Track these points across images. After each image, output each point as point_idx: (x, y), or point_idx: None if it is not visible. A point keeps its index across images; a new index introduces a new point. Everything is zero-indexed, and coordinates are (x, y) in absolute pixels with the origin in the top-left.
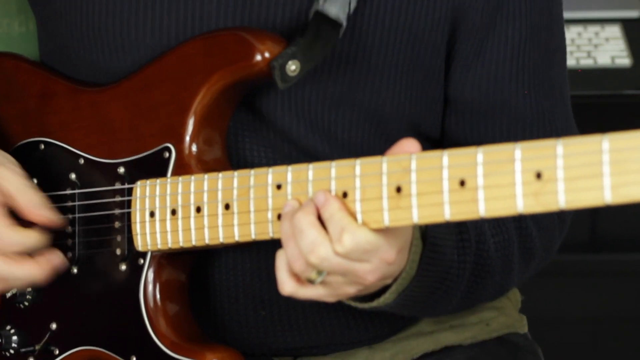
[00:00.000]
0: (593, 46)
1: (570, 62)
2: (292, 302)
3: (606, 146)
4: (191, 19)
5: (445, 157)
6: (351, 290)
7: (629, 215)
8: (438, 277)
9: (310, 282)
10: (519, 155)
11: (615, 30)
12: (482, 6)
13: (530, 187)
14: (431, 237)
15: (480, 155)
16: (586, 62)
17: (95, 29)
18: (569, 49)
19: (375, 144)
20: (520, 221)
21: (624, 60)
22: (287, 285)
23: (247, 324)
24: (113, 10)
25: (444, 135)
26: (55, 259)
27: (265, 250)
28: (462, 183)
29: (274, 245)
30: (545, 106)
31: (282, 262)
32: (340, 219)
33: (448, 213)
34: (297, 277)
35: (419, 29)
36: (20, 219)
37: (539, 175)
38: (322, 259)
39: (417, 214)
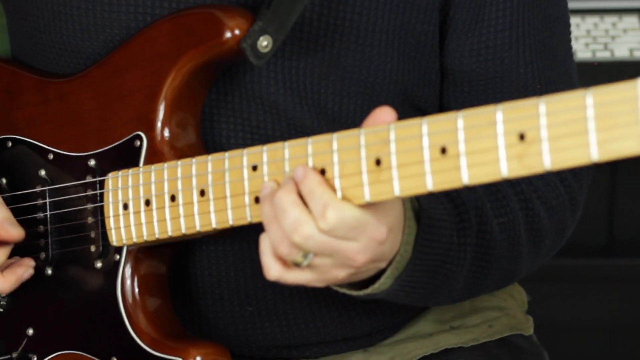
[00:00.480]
0: (610, 38)
1: (586, 54)
2: (280, 297)
3: (590, 101)
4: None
5: (425, 125)
6: (341, 273)
7: None
8: (436, 260)
9: (297, 265)
10: (501, 117)
11: (633, 21)
12: None
13: (514, 149)
14: (426, 218)
15: (460, 120)
16: (603, 55)
17: (67, 9)
18: (584, 40)
19: (367, 115)
20: (526, 201)
21: None
22: (272, 270)
23: (234, 321)
24: None
25: (441, 110)
26: (20, 271)
27: (247, 243)
28: (443, 150)
29: (257, 236)
30: (549, 77)
31: (266, 246)
32: (321, 194)
33: (430, 183)
34: (283, 261)
35: None
36: None
37: (522, 137)
38: (306, 237)
39: (399, 187)
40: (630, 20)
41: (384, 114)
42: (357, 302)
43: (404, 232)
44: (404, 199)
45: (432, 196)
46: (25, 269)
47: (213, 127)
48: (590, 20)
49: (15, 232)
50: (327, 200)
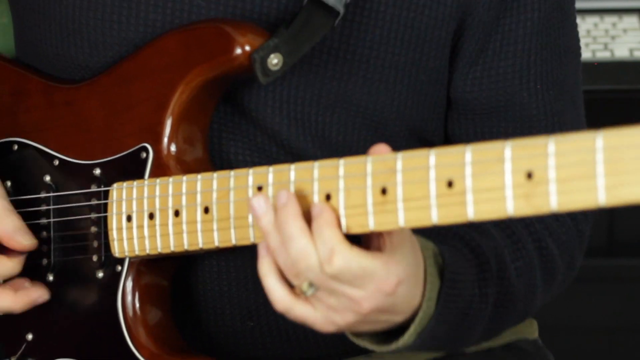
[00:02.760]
0: (610, 38)
1: (586, 54)
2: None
3: (600, 144)
4: (179, 12)
5: (433, 157)
6: (348, 317)
7: None
8: (460, 314)
9: (303, 293)
10: (509, 155)
11: (633, 21)
12: (488, 0)
13: (521, 189)
14: (450, 273)
15: (468, 154)
16: (603, 55)
17: (75, 22)
18: (584, 40)
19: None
20: (539, 241)
21: None
22: (282, 300)
23: (235, 336)
24: (95, 5)
25: (446, 140)
26: (34, 294)
27: (250, 258)
28: (450, 184)
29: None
30: (555, 108)
31: (269, 271)
32: (330, 237)
33: (435, 217)
34: (293, 289)
35: (423, 26)
36: None
37: (529, 175)
38: (308, 268)
39: (404, 218)
40: (630, 20)
41: (381, 151)
42: None
43: (426, 288)
44: (425, 253)
45: (453, 249)
46: (39, 294)
47: (221, 143)
48: (590, 20)
49: (27, 242)
50: (335, 244)
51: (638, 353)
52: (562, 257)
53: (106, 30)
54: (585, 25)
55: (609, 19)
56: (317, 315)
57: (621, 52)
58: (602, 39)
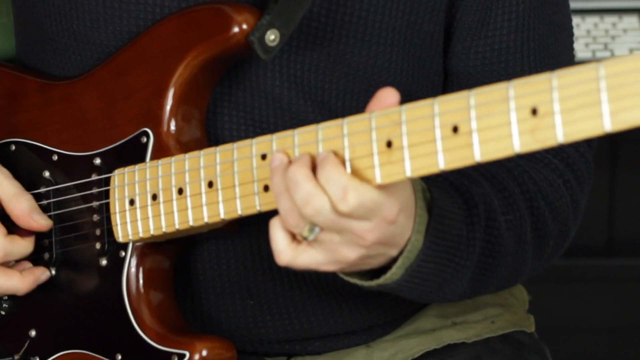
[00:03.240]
0: (610, 38)
1: (586, 54)
2: (281, 290)
3: (602, 72)
4: None
5: (437, 105)
6: (351, 253)
7: None
8: (446, 252)
9: (304, 238)
10: (513, 93)
11: (633, 21)
12: None
13: (526, 124)
14: (437, 208)
15: (472, 98)
16: (603, 55)
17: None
18: (584, 40)
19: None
20: (531, 200)
21: None
22: (284, 253)
23: (235, 315)
24: None
25: None
26: (38, 272)
27: (248, 236)
28: (455, 129)
29: (257, 230)
30: None
31: (276, 230)
32: (340, 177)
33: (442, 161)
34: (295, 241)
35: None
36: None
37: (534, 111)
38: (316, 210)
39: (410, 166)
40: (630, 20)
41: (388, 96)
42: (357, 296)
43: (415, 221)
44: (415, 187)
45: (441, 190)
46: (42, 271)
47: (216, 120)
48: (590, 20)
49: (45, 222)
50: (346, 182)
51: (637, 353)
52: (554, 221)
53: (107, 3)
54: (585, 25)
55: (609, 19)
56: (322, 257)
57: (621, 51)
58: (602, 39)
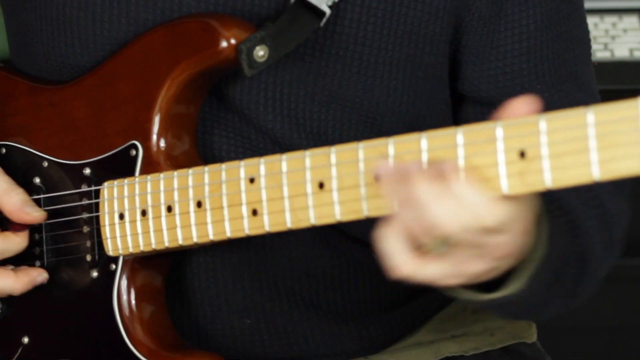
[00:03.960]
0: (610, 38)
1: None
2: (279, 310)
3: (591, 119)
4: (169, 12)
5: (424, 141)
6: (478, 267)
7: None
8: (559, 261)
9: (430, 250)
10: (501, 134)
11: (634, 21)
12: None
13: (514, 166)
14: (552, 216)
15: (460, 136)
16: (603, 55)
17: (66, 21)
18: None
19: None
20: (602, 206)
21: None
22: (407, 265)
23: (232, 334)
24: (85, 4)
25: None
26: (34, 273)
27: (247, 255)
28: None
29: (255, 250)
30: (577, 98)
31: (394, 242)
32: (478, 191)
33: None
34: (418, 252)
35: (416, 21)
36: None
37: (522, 154)
38: (462, 227)
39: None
40: (630, 20)
41: (523, 106)
42: (357, 317)
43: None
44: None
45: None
46: (39, 272)
47: (213, 141)
48: (591, 20)
49: (37, 214)
50: (486, 197)
51: (637, 353)
52: (618, 228)
53: (97, 29)
54: None
55: (609, 19)
56: (448, 270)
57: (621, 52)
58: (602, 39)
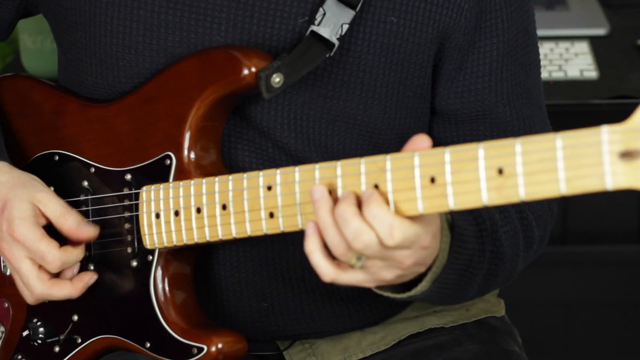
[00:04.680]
0: (564, 60)
1: (543, 74)
2: (291, 295)
3: (559, 143)
4: (201, 46)
5: (417, 157)
6: (389, 275)
7: (595, 212)
8: (464, 265)
9: (351, 266)
10: (482, 154)
11: (583, 46)
12: (464, 27)
13: (493, 182)
14: (457, 228)
15: (447, 154)
16: (558, 75)
17: (113, 59)
18: (542, 63)
19: (368, 155)
20: (521, 212)
21: (592, 73)
22: (329, 273)
23: (251, 315)
24: (129, 43)
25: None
26: (86, 277)
27: (265, 249)
28: (433, 180)
29: (272, 245)
30: (525, 114)
31: (317, 252)
32: (385, 215)
33: (421, 207)
34: (337, 263)
35: (407, 51)
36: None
37: (500, 171)
38: (366, 245)
39: (394, 209)
40: (580, 46)
41: (420, 141)
42: (355, 299)
43: (441, 241)
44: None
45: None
46: (90, 276)
47: (237, 154)
48: (547, 45)
49: (92, 230)
50: (392, 221)
51: (587, 325)
52: (538, 228)
53: (140, 64)
54: (542, 49)
55: (563, 45)
56: (363, 277)
57: (573, 72)
58: (557, 62)
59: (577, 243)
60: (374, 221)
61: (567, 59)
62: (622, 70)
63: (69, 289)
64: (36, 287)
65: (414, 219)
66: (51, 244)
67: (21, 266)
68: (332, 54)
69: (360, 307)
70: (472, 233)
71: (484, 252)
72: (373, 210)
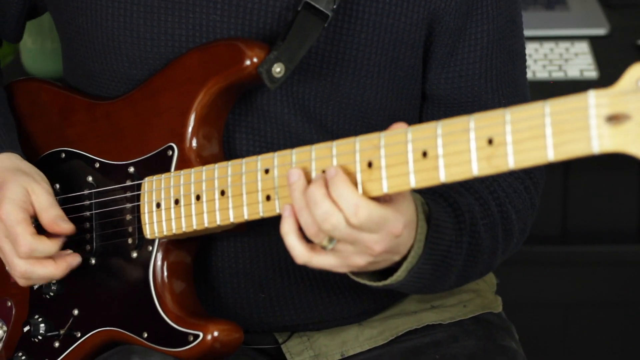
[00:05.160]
0: (564, 60)
1: (543, 74)
2: (288, 285)
3: (547, 110)
4: (199, 27)
5: (409, 133)
6: (361, 260)
7: (595, 212)
8: (441, 255)
9: (323, 248)
10: (473, 125)
11: (583, 46)
12: (454, 11)
13: (483, 152)
14: (434, 219)
15: (439, 128)
16: (558, 75)
17: (115, 42)
18: (542, 62)
19: (361, 134)
20: (501, 205)
21: (592, 73)
22: (301, 255)
23: (249, 305)
24: (130, 26)
25: None
26: (70, 258)
27: (262, 240)
28: (425, 154)
29: (269, 236)
30: (512, 102)
31: (291, 238)
32: (350, 195)
33: (413, 181)
34: (310, 245)
35: (399, 30)
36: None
37: (490, 141)
38: (334, 226)
39: (387, 185)
40: (580, 46)
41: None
42: (351, 288)
43: (417, 231)
44: (416, 202)
45: (435, 202)
46: (73, 257)
47: (236, 143)
48: (547, 45)
49: (67, 227)
50: (357, 200)
51: (587, 325)
52: (518, 222)
53: (142, 47)
54: (542, 50)
55: (563, 45)
56: (335, 261)
57: (573, 72)
58: (557, 62)
59: (577, 243)
60: (340, 200)
61: (567, 59)
62: (622, 70)
63: (52, 267)
64: (19, 264)
65: (382, 202)
66: (27, 229)
67: (3, 245)
68: (326, 25)
69: (358, 296)
70: (450, 225)
71: (461, 244)
72: (338, 189)
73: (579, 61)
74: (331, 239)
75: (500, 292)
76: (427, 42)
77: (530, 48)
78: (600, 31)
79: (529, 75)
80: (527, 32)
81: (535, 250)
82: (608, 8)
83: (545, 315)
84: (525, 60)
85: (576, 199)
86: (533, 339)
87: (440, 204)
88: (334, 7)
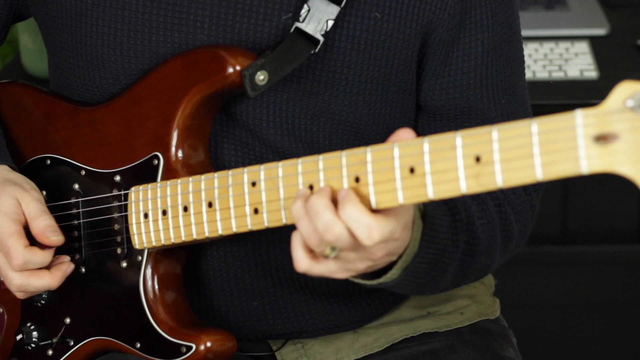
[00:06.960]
0: (564, 60)
1: (543, 74)
2: (281, 293)
3: (535, 129)
4: (185, 47)
5: (396, 149)
6: (362, 265)
7: (595, 212)
8: (436, 254)
9: (325, 257)
10: (460, 142)
11: (583, 46)
12: (447, 22)
13: (471, 170)
14: (430, 217)
15: (426, 144)
16: (558, 75)
17: (99, 59)
18: (542, 62)
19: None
20: (500, 206)
21: (592, 73)
22: (302, 263)
23: (242, 314)
24: (114, 44)
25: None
26: (64, 267)
27: (253, 247)
28: (412, 170)
29: (260, 244)
30: (509, 110)
31: (297, 241)
32: (361, 216)
33: (401, 198)
34: (312, 254)
35: (392, 46)
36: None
37: (478, 159)
38: (337, 237)
39: (375, 201)
40: (580, 46)
41: (404, 134)
42: (347, 296)
43: (413, 230)
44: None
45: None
46: (67, 265)
47: (224, 154)
48: (547, 45)
49: (56, 239)
50: (369, 221)
51: (587, 325)
52: (517, 223)
53: (125, 64)
54: (542, 50)
55: (563, 45)
56: (336, 267)
57: (573, 72)
58: (557, 62)
59: (577, 243)
60: (351, 222)
61: (567, 59)
62: (622, 70)
63: (48, 278)
64: (14, 277)
65: (388, 213)
66: (20, 241)
67: None
68: (316, 50)
69: (352, 304)
70: (446, 223)
71: (457, 243)
72: (348, 211)
73: (579, 61)
74: (333, 248)
75: (500, 292)
76: (420, 54)
77: (530, 48)
78: (600, 31)
79: (529, 75)
80: (527, 32)
81: (535, 250)
82: (608, 8)
83: (544, 316)
84: (523, 63)
85: (576, 199)
86: (532, 340)
87: (437, 202)
88: (326, 30)
